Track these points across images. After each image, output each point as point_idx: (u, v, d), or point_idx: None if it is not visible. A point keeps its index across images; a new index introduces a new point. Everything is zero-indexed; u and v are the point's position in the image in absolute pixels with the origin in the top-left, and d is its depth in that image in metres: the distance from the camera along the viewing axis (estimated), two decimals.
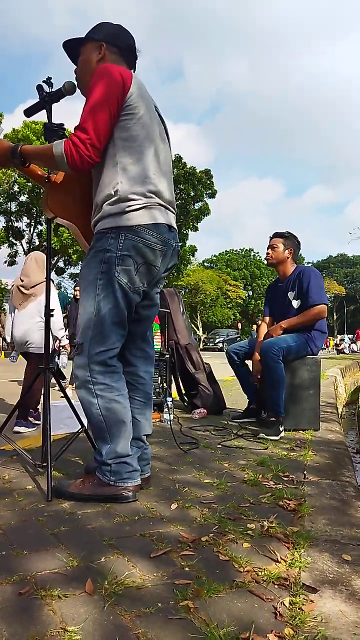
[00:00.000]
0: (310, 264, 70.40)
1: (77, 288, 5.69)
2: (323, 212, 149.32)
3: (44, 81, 2.05)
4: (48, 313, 2.26)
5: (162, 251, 1.83)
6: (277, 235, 3.55)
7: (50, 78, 2.06)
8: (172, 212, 1.91)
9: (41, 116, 2.09)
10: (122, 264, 1.75)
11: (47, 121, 2.05)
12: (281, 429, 3.07)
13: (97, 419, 1.78)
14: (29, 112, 2.11)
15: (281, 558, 1.34)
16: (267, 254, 3.56)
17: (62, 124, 2.02)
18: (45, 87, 2.04)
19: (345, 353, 29.39)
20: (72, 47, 1.95)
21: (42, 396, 2.74)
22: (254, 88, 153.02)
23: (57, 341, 4.31)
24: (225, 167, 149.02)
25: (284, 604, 1.11)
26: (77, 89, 1.96)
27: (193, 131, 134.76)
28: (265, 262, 3.63)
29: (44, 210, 1.99)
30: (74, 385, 2.09)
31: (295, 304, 3.34)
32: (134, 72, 1.93)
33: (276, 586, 1.19)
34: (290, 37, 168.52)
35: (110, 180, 1.77)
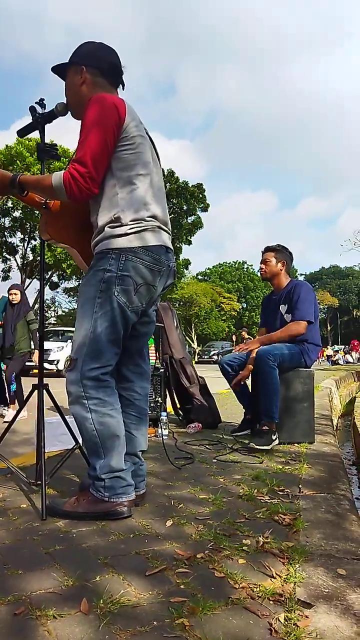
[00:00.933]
0: (303, 276, 70.96)
1: (13, 291, 5.52)
2: (316, 223, 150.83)
3: (37, 102, 2.09)
4: (41, 328, 2.27)
5: (159, 272, 1.87)
6: (268, 249, 3.59)
7: (43, 99, 2.10)
8: (168, 233, 1.95)
9: (35, 133, 2.13)
10: (122, 284, 1.78)
11: (39, 141, 2.08)
12: (274, 438, 3.07)
13: (90, 433, 1.79)
14: (22, 132, 2.15)
15: (276, 573, 1.34)
16: (261, 268, 3.61)
17: (55, 144, 2.06)
18: (38, 108, 2.08)
19: (339, 364, 29.48)
20: (60, 72, 1.98)
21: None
22: (247, 102, 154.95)
23: None
24: (220, 180, 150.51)
25: (279, 620, 1.11)
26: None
27: (187, 146, 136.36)
28: (261, 276, 3.68)
29: (42, 235, 2.03)
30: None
31: (288, 318, 3.37)
32: (122, 88, 1.98)
33: (271, 602, 1.20)
34: (281, 52, 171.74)
35: (110, 207, 1.81)
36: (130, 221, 1.79)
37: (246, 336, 12.02)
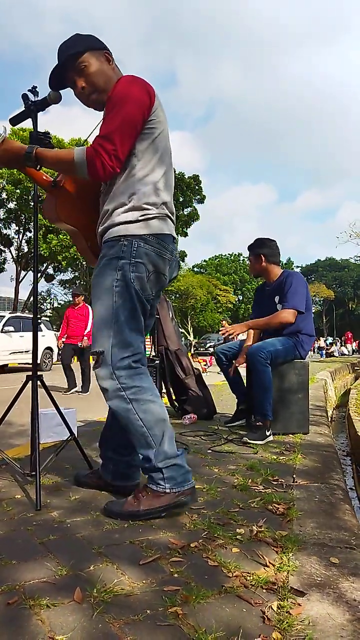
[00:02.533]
0: (299, 268, 70.85)
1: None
2: (315, 216, 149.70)
3: (29, 90, 2.06)
4: (35, 321, 2.25)
5: (170, 260, 1.84)
6: (249, 248, 3.60)
7: (36, 87, 2.07)
8: (174, 222, 1.93)
9: (28, 123, 2.10)
10: (136, 271, 1.74)
11: (32, 129, 2.05)
12: (268, 433, 3.08)
13: (136, 424, 1.72)
14: (14, 120, 2.11)
15: (270, 562, 1.35)
16: (249, 269, 3.64)
17: (48, 133, 2.03)
18: (31, 96, 2.04)
19: (335, 356, 29.54)
20: (67, 64, 1.82)
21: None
22: (247, 94, 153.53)
23: None
24: (219, 172, 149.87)
25: (272, 608, 1.11)
26: (79, 99, 1.88)
27: (187, 137, 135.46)
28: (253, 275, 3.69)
29: (47, 216, 1.94)
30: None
31: (280, 307, 3.37)
32: None
33: (264, 590, 1.20)
34: (281, 43, 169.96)
35: (126, 189, 1.76)
36: (144, 207, 1.75)
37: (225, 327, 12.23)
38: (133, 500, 1.71)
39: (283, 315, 3.26)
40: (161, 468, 1.70)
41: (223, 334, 3.42)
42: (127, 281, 1.74)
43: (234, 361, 3.50)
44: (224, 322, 13.13)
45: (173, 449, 1.74)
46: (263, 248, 3.51)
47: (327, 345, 32.40)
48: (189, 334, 39.67)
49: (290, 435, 3.27)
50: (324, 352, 30.15)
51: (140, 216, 1.75)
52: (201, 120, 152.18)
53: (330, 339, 33.64)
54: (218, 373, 12.06)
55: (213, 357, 3.64)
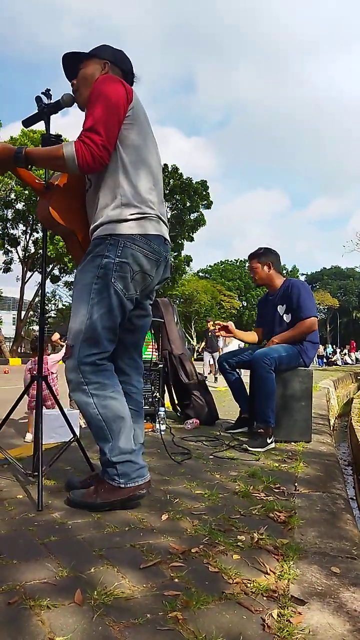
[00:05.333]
0: (304, 276, 70.81)
1: None
2: (326, 224, 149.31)
3: (42, 93, 2.08)
4: (42, 320, 2.27)
5: (157, 261, 1.86)
6: (251, 257, 3.59)
7: (49, 90, 2.09)
8: (166, 225, 1.94)
9: (39, 125, 2.12)
10: (120, 271, 1.78)
11: (44, 132, 2.07)
12: (269, 441, 3.06)
13: (95, 418, 1.79)
14: (27, 122, 2.14)
15: (270, 570, 1.34)
16: (252, 277, 3.64)
17: (60, 135, 2.05)
18: (44, 99, 2.07)
19: (337, 365, 29.39)
20: (72, 61, 1.97)
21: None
22: (264, 100, 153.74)
23: None
24: (234, 178, 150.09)
25: (272, 616, 1.11)
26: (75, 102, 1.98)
27: (204, 142, 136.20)
28: (255, 284, 3.70)
29: (41, 218, 1.96)
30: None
31: (287, 318, 3.37)
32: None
33: (265, 598, 1.20)
34: (300, 51, 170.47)
35: (114, 186, 1.80)
36: (133, 207, 1.78)
37: (211, 327, 12.10)
38: (92, 491, 1.80)
39: (307, 324, 3.27)
40: (115, 463, 1.77)
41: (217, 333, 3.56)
42: (107, 280, 1.77)
43: (238, 370, 3.52)
44: (209, 323, 13.04)
45: (129, 445, 1.81)
46: (264, 257, 3.52)
47: (328, 355, 31.95)
48: (193, 339, 39.64)
49: (293, 443, 3.26)
50: (323, 361, 29.61)
51: (129, 215, 1.78)
52: (217, 125, 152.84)
53: (330, 348, 33.18)
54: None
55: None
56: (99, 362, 1.81)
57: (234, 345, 12.08)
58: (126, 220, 1.78)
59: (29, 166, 1.87)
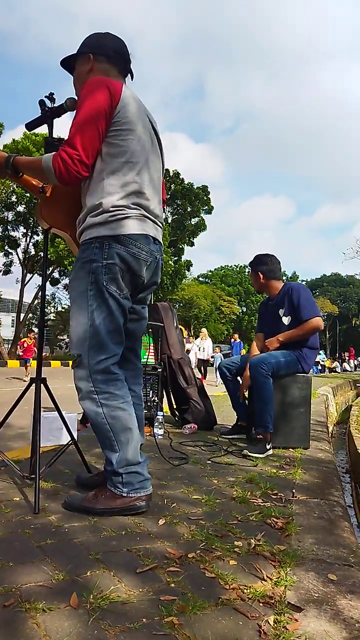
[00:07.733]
0: (304, 282, 70.86)
1: None
2: (330, 231, 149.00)
3: (46, 96, 2.09)
4: (42, 323, 2.26)
5: (146, 261, 1.85)
6: (250, 266, 3.65)
7: (53, 93, 2.10)
8: (158, 225, 1.93)
9: (42, 128, 2.13)
10: (109, 272, 1.78)
11: (47, 135, 2.08)
12: (268, 447, 3.06)
13: (103, 428, 1.77)
14: (30, 126, 2.15)
15: (267, 576, 1.34)
16: (252, 283, 3.70)
17: (63, 139, 2.05)
18: (48, 103, 2.08)
19: (337, 372, 29.34)
20: (68, 66, 1.98)
21: None
22: (273, 108, 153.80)
23: None
24: (241, 184, 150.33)
25: (268, 623, 1.10)
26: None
27: (212, 149, 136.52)
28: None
29: (38, 220, 2.03)
30: None
31: (286, 320, 3.36)
32: (131, 78, 1.98)
33: (261, 604, 1.19)
34: (312, 59, 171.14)
35: (96, 192, 1.80)
36: (112, 208, 1.77)
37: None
38: (92, 497, 1.79)
39: (312, 323, 3.26)
40: (121, 473, 1.76)
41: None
42: (100, 285, 1.77)
43: (238, 378, 3.51)
44: (202, 333, 13.40)
45: (136, 457, 1.80)
46: (260, 265, 3.53)
47: (321, 361, 31.44)
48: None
49: (291, 450, 3.25)
50: (317, 368, 29.21)
51: (110, 217, 1.77)
52: (226, 132, 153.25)
53: (323, 355, 32.59)
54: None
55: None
56: (111, 370, 1.79)
57: (208, 344, 12.52)
58: (107, 222, 1.77)
59: (19, 174, 1.91)
